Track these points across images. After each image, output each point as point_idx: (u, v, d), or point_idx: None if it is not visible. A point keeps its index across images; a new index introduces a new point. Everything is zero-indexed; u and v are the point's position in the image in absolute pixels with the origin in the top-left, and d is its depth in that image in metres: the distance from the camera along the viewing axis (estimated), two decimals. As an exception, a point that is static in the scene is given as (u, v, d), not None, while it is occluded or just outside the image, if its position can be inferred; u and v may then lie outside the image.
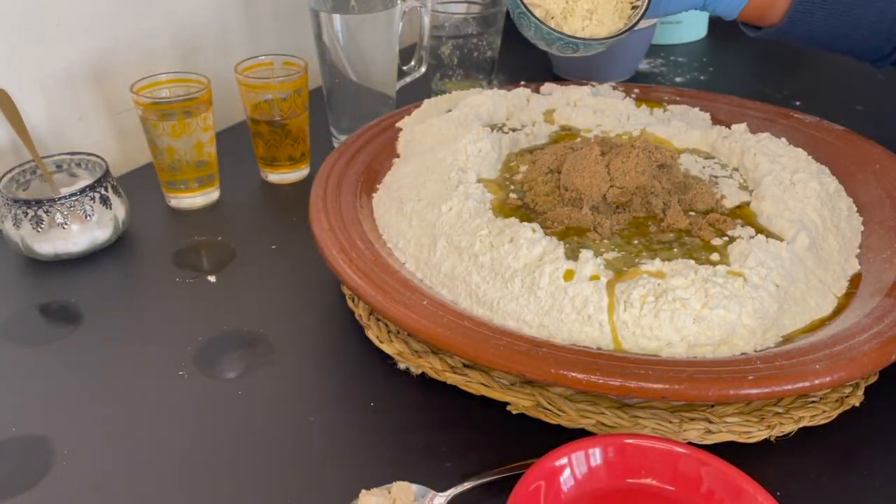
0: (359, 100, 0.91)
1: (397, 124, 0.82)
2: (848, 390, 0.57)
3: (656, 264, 0.59)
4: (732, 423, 0.54)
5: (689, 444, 0.51)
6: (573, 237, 0.64)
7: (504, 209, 0.67)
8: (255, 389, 0.61)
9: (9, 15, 0.80)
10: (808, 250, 0.62)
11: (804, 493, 0.52)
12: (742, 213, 0.67)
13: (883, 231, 0.67)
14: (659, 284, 0.56)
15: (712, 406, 0.55)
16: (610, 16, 0.70)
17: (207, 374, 0.62)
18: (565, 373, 0.51)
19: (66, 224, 0.72)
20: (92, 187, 0.74)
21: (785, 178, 0.69)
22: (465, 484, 0.51)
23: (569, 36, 0.69)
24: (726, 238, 0.64)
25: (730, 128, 0.80)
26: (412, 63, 0.97)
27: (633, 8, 0.71)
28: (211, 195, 0.84)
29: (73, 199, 0.72)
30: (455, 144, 0.72)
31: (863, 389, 0.57)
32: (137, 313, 0.69)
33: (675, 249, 0.62)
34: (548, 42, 0.70)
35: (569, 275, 0.57)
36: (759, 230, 0.64)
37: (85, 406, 0.59)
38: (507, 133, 0.79)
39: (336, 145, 0.91)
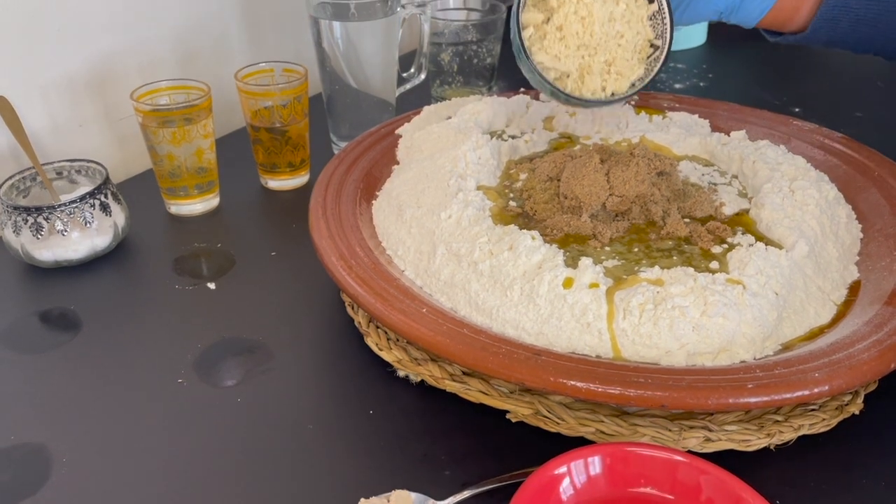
0: (359, 107, 0.91)
1: (397, 131, 0.82)
2: (847, 398, 0.57)
3: (655, 272, 0.59)
4: (732, 431, 0.54)
5: (689, 452, 0.51)
6: (573, 245, 0.64)
7: (503, 216, 0.67)
8: (254, 397, 0.60)
9: (9, 21, 0.80)
10: (807, 258, 0.62)
11: (804, 501, 0.52)
12: (741, 221, 0.67)
13: (882, 238, 0.67)
14: (658, 292, 0.56)
15: (712, 414, 0.55)
16: (628, 64, 0.70)
17: (207, 382, 0.62)
18: (564, 381, 0.51)
19: (65, 231, 0.72)
20: (92, 194, 0.74)
21: (784, 186, 0.69)
22: (465, 492, 0.51)
23: (588, 100, 0.70)
24: (725, 246, 0.64)
25: (729, 135, 0.80)
26: (412, 70, 0.98)
27: (652, 46, 0.71)
28: (211, 202, 0.84)
29: (73, 206, 0.73)
30: (454, 151, 0.72)
31: (862, 397, 0.57)
32: (137, 320, 0.69)
33: (675, 257, 0.62)
34: (568, 104, 0.71)
35: (568, 282, 0.57)
36: (759, 238, 0.64)
37: (84, 414, 0.59)
38: (506, 140, 0.79)
39: (336, 152, 0.91)
